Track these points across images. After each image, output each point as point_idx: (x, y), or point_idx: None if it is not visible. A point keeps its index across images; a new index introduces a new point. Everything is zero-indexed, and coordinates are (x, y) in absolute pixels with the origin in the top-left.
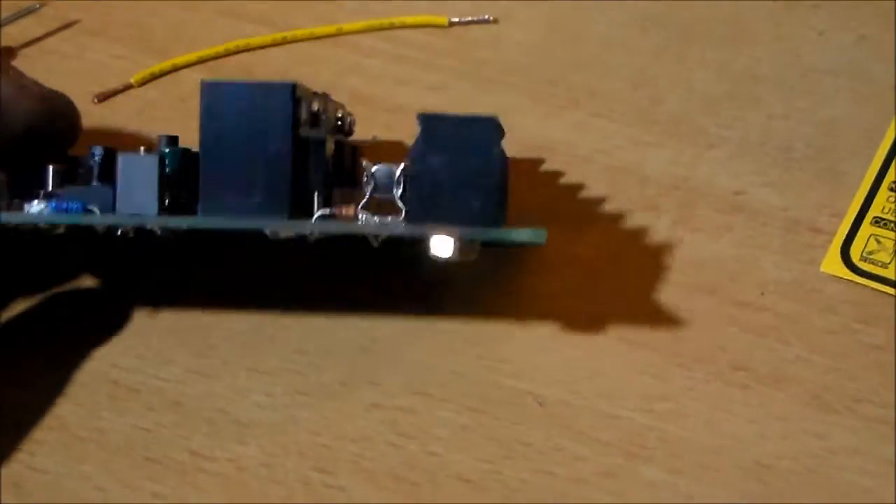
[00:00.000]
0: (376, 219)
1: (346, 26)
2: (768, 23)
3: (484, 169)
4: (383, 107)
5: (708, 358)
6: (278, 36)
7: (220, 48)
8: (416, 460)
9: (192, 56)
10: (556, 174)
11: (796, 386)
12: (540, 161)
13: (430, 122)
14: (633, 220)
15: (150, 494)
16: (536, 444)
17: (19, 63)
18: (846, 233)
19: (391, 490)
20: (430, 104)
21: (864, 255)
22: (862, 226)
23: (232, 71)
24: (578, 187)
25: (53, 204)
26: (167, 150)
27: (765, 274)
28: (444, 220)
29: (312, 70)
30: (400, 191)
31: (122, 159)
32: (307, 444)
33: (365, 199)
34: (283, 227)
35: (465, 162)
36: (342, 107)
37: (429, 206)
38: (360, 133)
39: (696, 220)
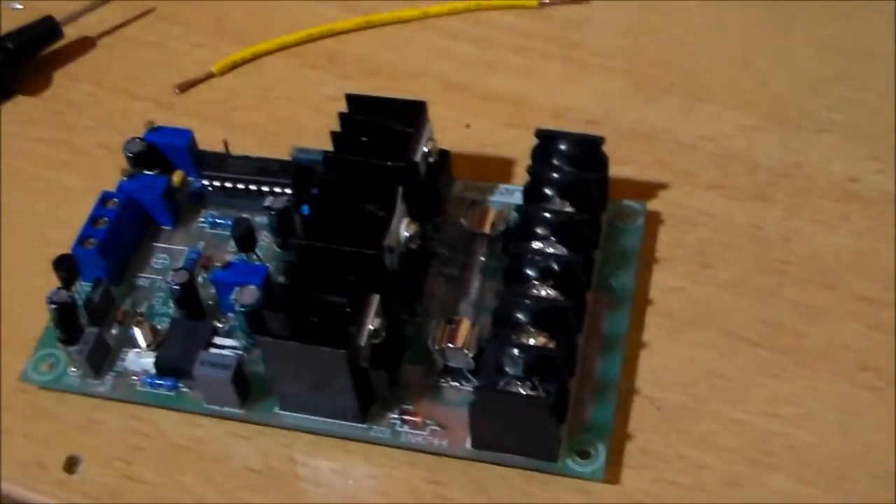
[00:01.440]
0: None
1: (433, 9)
2: None
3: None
4: (474, 93)
5: (832, 357)
6: (362, 20)
7: (303, 34)
8: None
9: (274, 43)
10: (660, 162)
11: None
12: (642, 148)
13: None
14: (745, 210)
15: None
16: (655, 451)
17: (99, 52)
18: None
19: None
20: (521, 89)
21: None
22: None
23: (316, 57)
24: (684, 175)
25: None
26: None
27: (887, 266)
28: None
29: (398, 55)
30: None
31: (198, 371)
32: None
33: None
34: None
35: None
36: (431, 142)
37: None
38: (452, 120)
39: (810, 209)
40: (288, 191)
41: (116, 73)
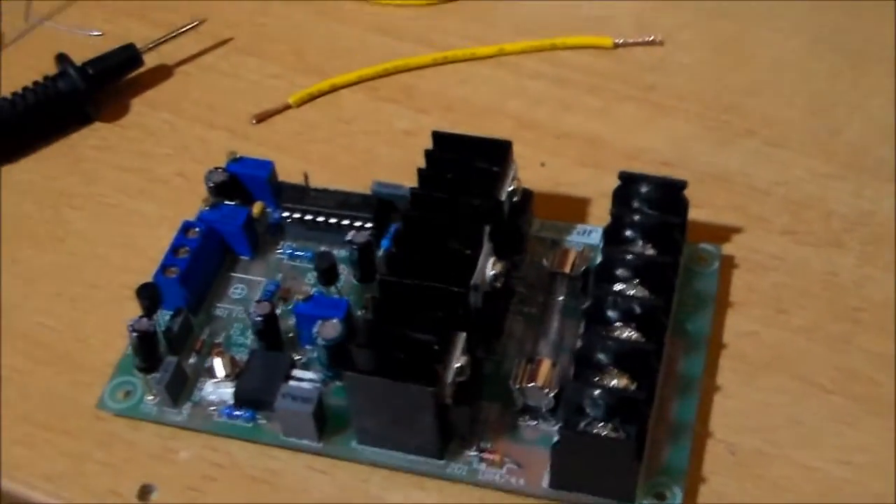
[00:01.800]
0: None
1: (508, 47)
2: None
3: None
4: (549, 132)
5: None
6: (439, 56)
7: (380, 68)
8: None
9: (351, 76)
10: (735, 207)
11: None
12: (717, 192)
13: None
14: (819, 257)
15: None
16: (729, 495)
17: (177, 80)
18: None
19: None
20: (595, 129)
21: None
22: None
23: (392, 91)
24: (758, 220)
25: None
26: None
27: None
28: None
29: (473, 91)
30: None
31: (280, 403)
32: None
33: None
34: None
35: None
36: (516, 181)
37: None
38: (527, 158)
39: (883, 257)
40: (368, 225)
41: (194, 101)
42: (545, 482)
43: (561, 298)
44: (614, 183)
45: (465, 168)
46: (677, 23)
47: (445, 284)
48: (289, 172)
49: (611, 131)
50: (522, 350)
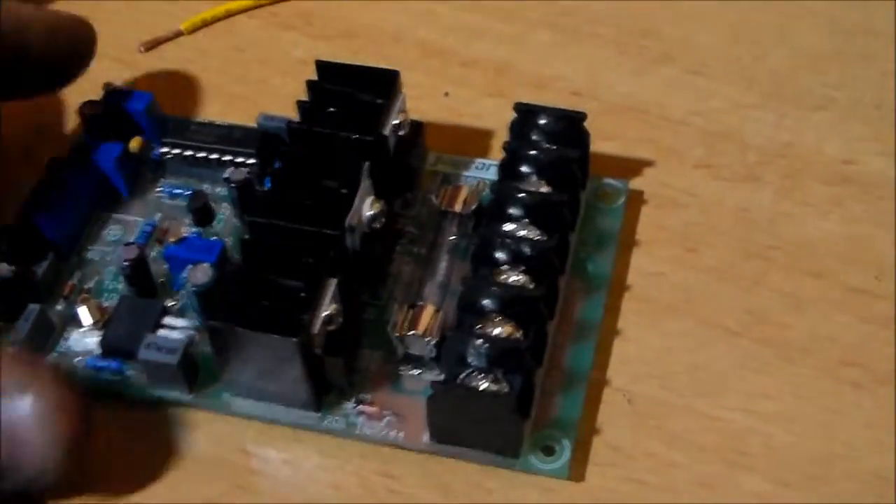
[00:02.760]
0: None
1: None
2: None
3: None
4: (456, 59)
5: (817, 351)
6: None
7: None
8: None
9: (247, 1)
10: (648, 138)
11: None
12: (629, 123)
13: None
14: (734, 192)
15: None
16: (624, 448)
17: (59, 5)
18: None
19: None
20: (505, 56)
21: None
22: None
23: (291, 17)
24: (672, 153)
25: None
26: None
27: (880, 256)
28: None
29: (378, 17)
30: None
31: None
32: None
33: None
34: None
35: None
36: (403, 114)
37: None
38: (431, 88)
39: (802, 192)
40: (250, 161)
41: None
42: (426, 436)
43: (451, 238)
44: None
45: (349, 100)
46: None
47: (318, 226)
48: (175, 105)
49: (521, 59)
50: (410, 294)
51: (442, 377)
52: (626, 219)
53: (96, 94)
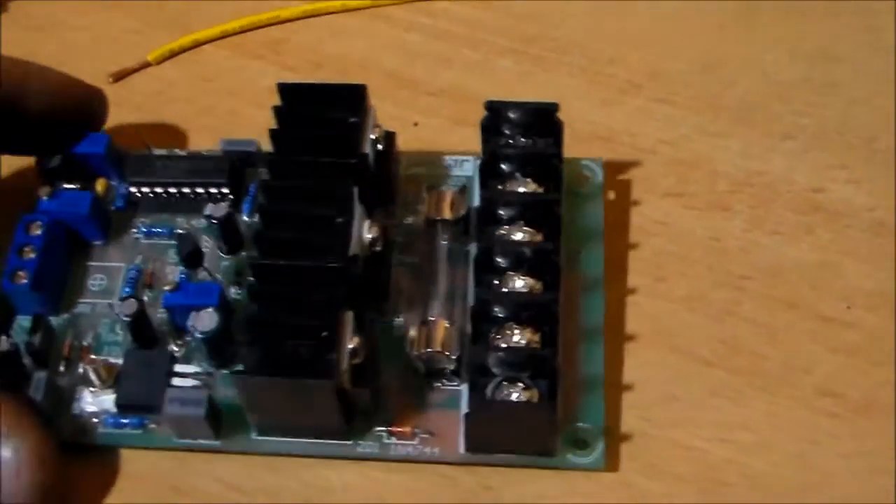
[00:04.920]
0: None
1: None
2: None
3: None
4: (424, 89)
5: (791, 381)
6: (309, 7)
7: (245, 21)
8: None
9: (214, 30)
10: (617, 167)
11: (890, 414)
12: (599, 151)
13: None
14: (704, 221)
15: None
16: (603, 479)
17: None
18: None
19: None
20: (473, 85)
21: None
22: None
23: (258, 46)
24: (641, 182)
25: None
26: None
27: (850, 284)
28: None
29: (346, 46)
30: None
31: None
32: None
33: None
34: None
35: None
36: (377, 128)
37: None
38: (401, 118)
39: (772, 220)
40: (224, 190)
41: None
42: (461, 447)
43: (444, 244)
44: None
45: (320, 121)
46: None
47: (323, 261)
48: (144, 136)
49: (489, 88)
50: (412, 305)
51: (466, 388)
52: (606, 204)
53: None
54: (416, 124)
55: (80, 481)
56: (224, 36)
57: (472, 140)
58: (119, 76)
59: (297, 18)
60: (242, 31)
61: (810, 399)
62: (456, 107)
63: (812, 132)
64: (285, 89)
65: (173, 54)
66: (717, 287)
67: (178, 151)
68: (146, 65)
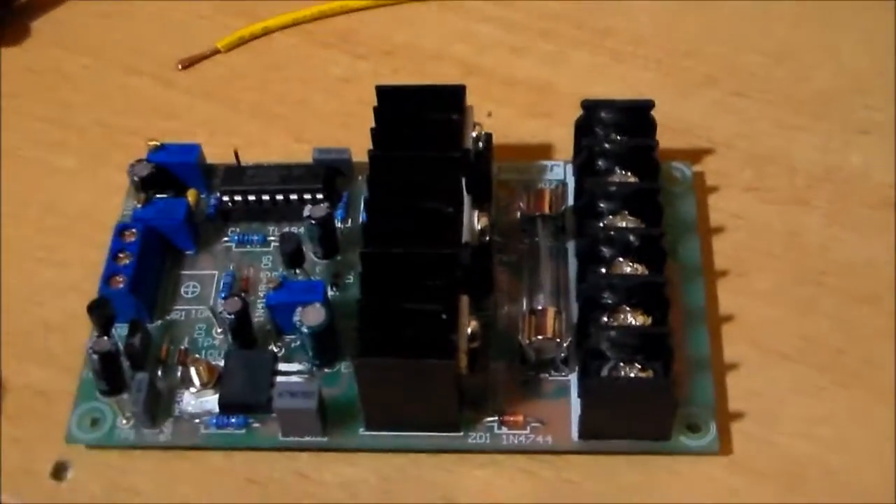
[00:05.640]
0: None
1: None
2: None
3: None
4: (498, 79)
5: (870, 377)
6: None
7: (315, 10)
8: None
9: (285, 18)
10: (695, 162)
11: None
12: (675, 146)
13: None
14: (782, 217)
15: None
16: (684, 473)
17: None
18: None
19: None
20: (546, 76)
21: None
22: None
23: (328, 35)
24: (718, 176)
25: None
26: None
27: None
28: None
29: (416, 36)
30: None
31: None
32: None
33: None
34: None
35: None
36: (478, 126)
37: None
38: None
39: (850, 216)
40: (319, 196)
41: (115, 44)
42: (574, 434)
43: (545, 241)
44: (565, 134)
45: (421, 121)
46: None
47: (435, 248)
48: (216, 124)
49: (563, 79)
50: (514, 301)
51: (576, 376)
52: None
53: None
54: (489, 115)
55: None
56: (294, 24)
57: (545, 131)
58: (188, 63)
59: (368, 8)
60: (313, 19)
61: (888, 395)
62: (529, 97)
63: (889, 126)
64: (382, 92)
65: (243, 42)
66: (796, 283)
67: (264, 162)
68: (215, 52)
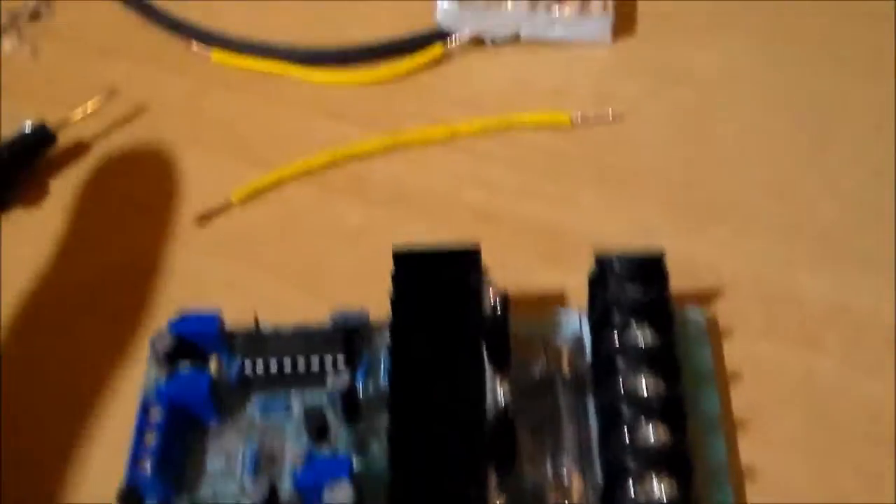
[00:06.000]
0: None
1: (461, 128)
2: None
3: None
4: (507, 224)
5: None
6: (388, 140)
7: (327, 156)
8: None
9: (297, 167)
10: (702, 303)
11: None
12: (683, 287)
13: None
14: (794, 361)
15: None
16: None
17: (110, 176)
18: None
19: None
20: (556, 218)
21: None
22: None
23: (342, 182)
24: (727, 317)
25: None
26: None
27: None
28: None
29: (427, 178)
30: None
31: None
32: None
33: None
34: None
35: None
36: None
37: None
38: (486, 255)
39: (864, 359)
40: (340, 363)
41: (124, 198)
42: None
43: (565, 400)
44: (580, 278)
45: (439, 286)
46: (636, 93)
47: (461, 421)
48: (235, 282)
49: (571, 219)
50: (535, 464)
51: None
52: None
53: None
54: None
55: None
56: (307, 172)
57: (561, 277)
58: (204, 219)
59: (378, 152)
60: (324, 166)
61: None
62: (540, 242)
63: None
64: (399, 258)
65: (257, 193)
66: (815, 429)
67: (282, 328)
68: (229, 205)
